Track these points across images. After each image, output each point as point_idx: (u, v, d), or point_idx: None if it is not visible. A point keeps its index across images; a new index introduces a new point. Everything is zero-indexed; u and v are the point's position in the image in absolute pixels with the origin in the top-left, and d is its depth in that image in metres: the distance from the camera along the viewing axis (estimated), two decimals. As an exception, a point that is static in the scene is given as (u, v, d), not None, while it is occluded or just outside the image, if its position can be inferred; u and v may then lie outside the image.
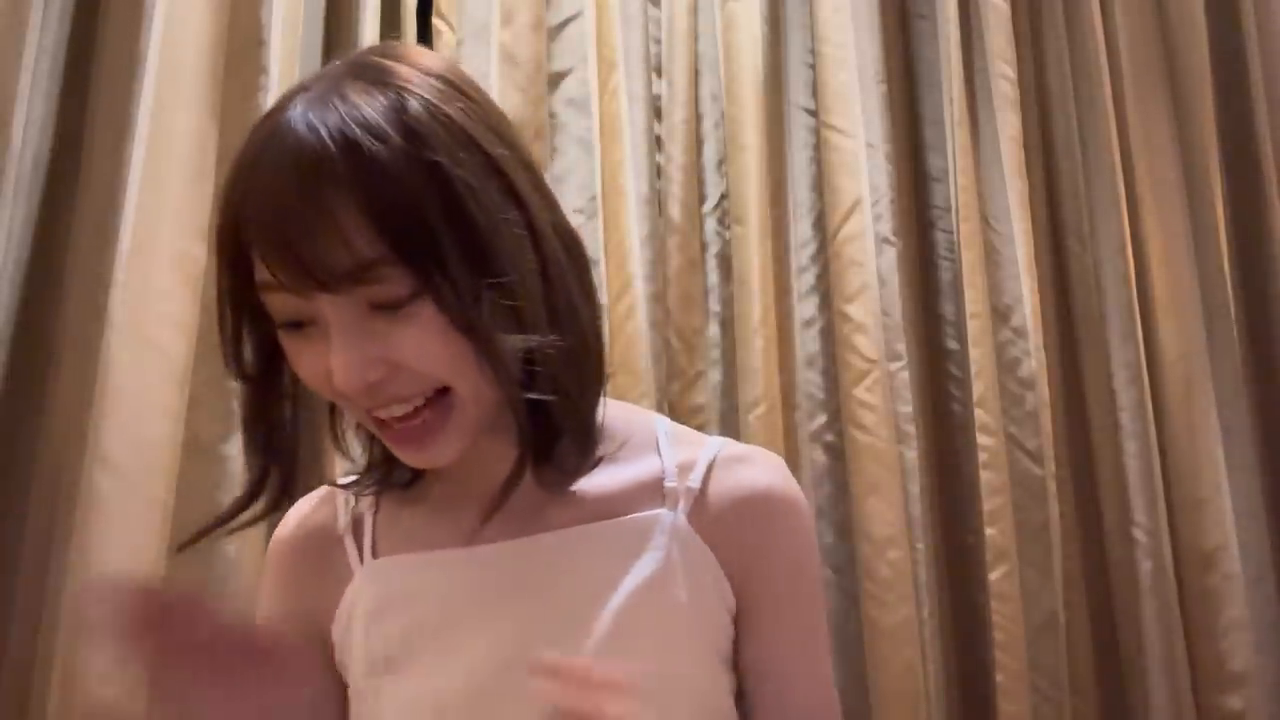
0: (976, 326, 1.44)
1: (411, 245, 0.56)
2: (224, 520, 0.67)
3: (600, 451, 0.68)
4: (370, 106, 0.57)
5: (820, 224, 1.43)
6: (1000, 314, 1.48)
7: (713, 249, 1.42)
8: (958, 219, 1.48)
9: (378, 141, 0.56)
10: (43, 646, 0.95)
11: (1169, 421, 1.52)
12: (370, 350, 0.58)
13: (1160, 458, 1.50)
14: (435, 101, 0.59)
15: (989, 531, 1.38)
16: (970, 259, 1.46)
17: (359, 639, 0.68)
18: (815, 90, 1.46)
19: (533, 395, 0.61)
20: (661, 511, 0.68)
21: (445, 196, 0.57)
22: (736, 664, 0.71)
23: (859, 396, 1.35)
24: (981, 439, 1.40)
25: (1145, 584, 1.44)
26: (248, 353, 0.64)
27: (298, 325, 0.60)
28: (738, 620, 0.70)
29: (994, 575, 1.37)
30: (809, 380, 1.39)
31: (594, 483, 0.69)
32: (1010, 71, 1.55)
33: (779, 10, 1.50)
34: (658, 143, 1.40)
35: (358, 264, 0.56)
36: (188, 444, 1.04)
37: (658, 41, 1.44)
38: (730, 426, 1.34)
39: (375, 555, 0.70)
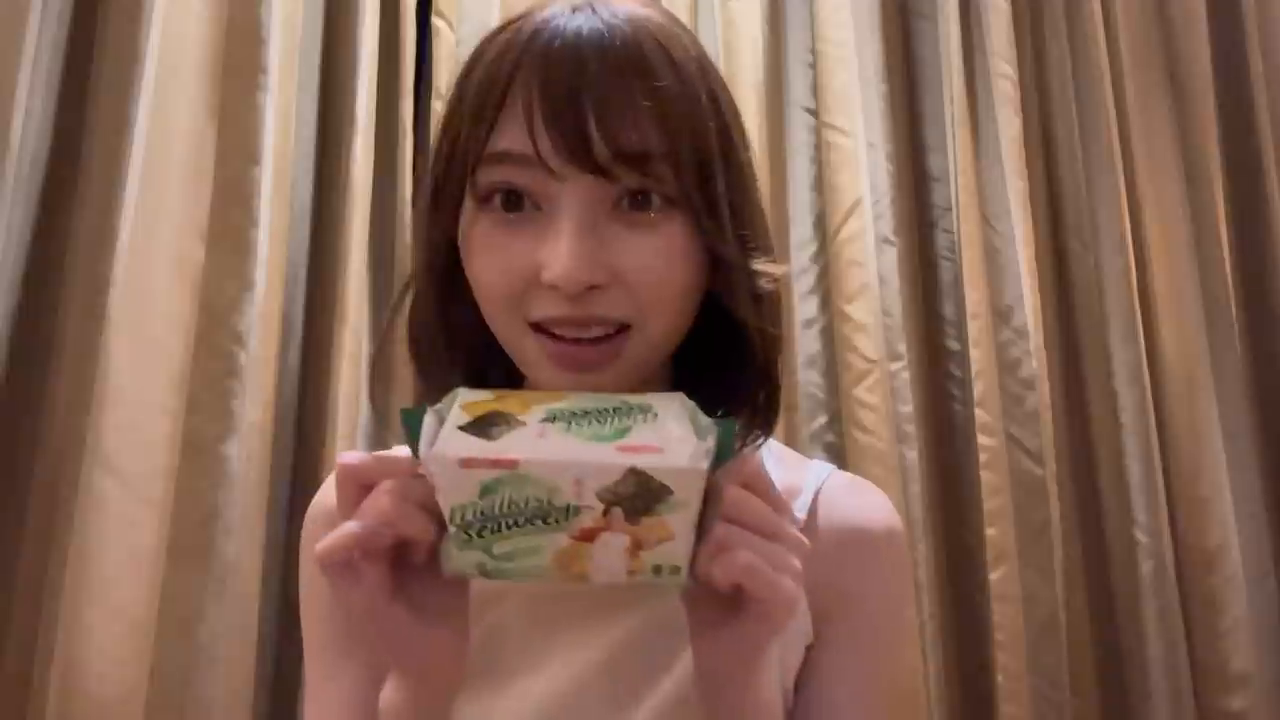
0: (977, 327, 1.44)
1: (690, 150, 0.55)
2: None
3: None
4: (665, 18, 0.58)
5: (820, 224, 1.43)
6: (1001, 314, 1.48)
7: (713, 249, 1.42)
8: (958, 219, 1.48)
9: (680, 46, 0.57)
10: (42, 646, 0.95)
11: (1169, 421, 1.52)
12: (601, 252, 0.54)
13: (1161, 458, 1.49)
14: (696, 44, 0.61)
15: (989, 531, 1.38)
16: (970, 259, 1.46)
17: None
18: (815, 90, 1.46)
19: (763, 327, 0.59)
20: None
21: (719, 122, 0.57)
22: (796, 696, 0.67)
23: (859, 396, 1.35)
24: (982, 439, 1.40)
25: (1146, 584, 1.44)
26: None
27: (516, 208, 0.56)
28: (809, 652, 0.67)
29: (994, 575, 1.37)
30: (809, 380, 1.39)
31: None
32: (1010, 71, 1.54)
33: (779, 10, 1.50)
34: (658, 143, 1.40)
35: (639, 151, 0.53)
36: (187, 444, 1.04)
37: (658, 41, 1.44)
38: (730, 426, 1.34)
39: None
